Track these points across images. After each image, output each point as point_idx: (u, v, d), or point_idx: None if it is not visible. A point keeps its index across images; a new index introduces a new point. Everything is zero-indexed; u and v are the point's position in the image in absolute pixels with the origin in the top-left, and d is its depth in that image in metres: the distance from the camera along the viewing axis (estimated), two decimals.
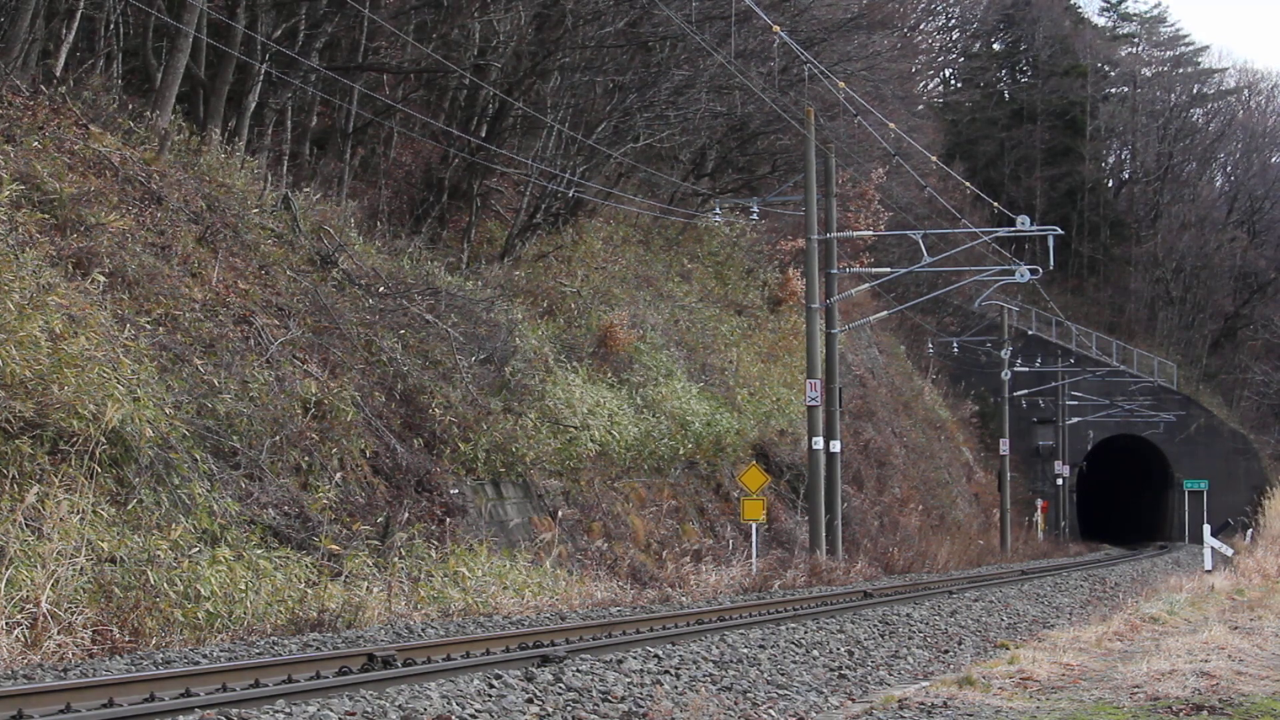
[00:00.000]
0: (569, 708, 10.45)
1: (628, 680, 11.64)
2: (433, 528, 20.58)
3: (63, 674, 11.53)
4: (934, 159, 47.02)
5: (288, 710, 9.44)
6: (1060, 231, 34.33)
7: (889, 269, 41.22)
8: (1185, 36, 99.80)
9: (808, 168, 31.75)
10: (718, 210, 39.13)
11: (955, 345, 63.67)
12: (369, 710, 9.68)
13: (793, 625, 16.94)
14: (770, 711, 11.15)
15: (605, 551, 25.44)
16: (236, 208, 22.60)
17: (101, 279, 17.67)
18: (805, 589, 25.89)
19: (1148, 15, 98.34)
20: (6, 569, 13.13)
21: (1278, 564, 31.86)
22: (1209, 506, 65.61)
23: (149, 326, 18.02)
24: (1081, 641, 15.73)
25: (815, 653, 14.64)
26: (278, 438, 18.74)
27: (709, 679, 12.23)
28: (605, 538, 25.95)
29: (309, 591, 16.43)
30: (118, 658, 12.78)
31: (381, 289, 24.59)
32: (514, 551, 22.33)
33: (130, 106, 22.88)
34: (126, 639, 13.64)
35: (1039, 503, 65.38)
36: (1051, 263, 36.51)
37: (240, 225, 22.28)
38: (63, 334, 15.74)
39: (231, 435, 17.97)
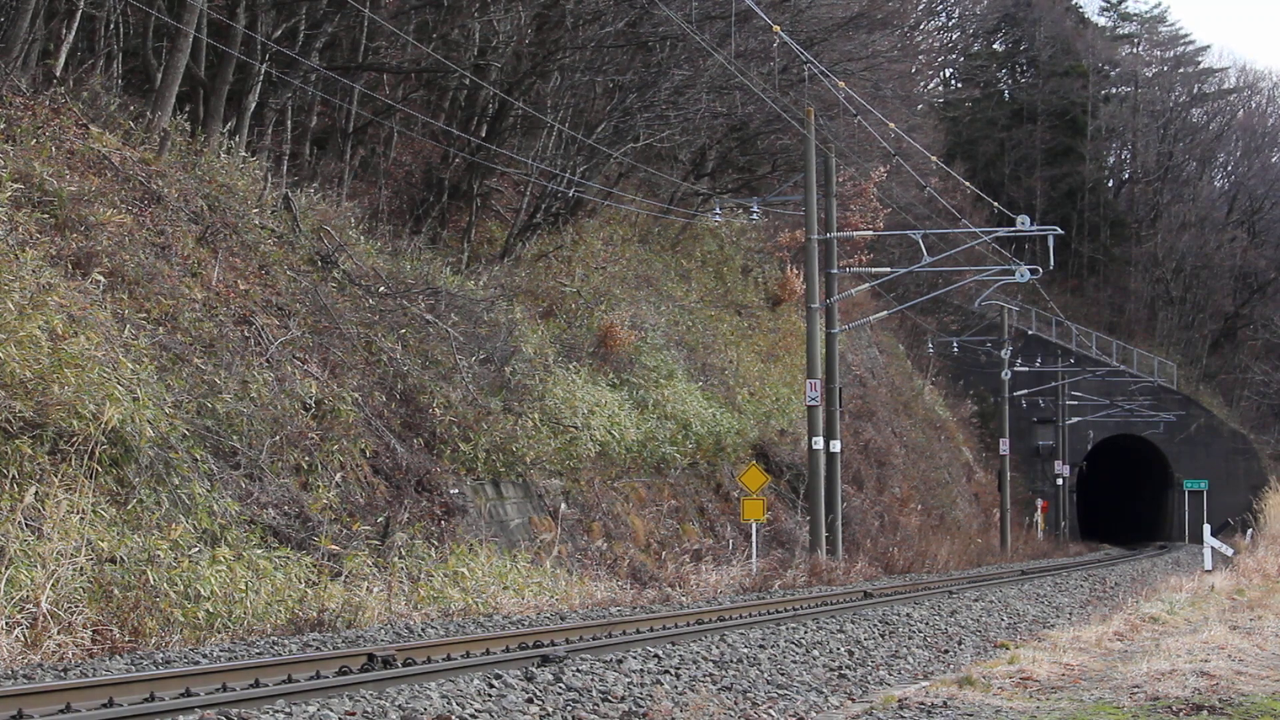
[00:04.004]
0: (569, 707, 10.45)
1: (628, 680, 11.64)
2: (433, 528, 20.58)
3: (63, 674, 11.53)
4: (934, 159, 46.99)
5: (288, 710, 9.44)
6: (1060, 231, 34.31)
7: (889, 269, 41.20)
8: (1185, 36, 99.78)
9: (808, 168, 31.74)
10: (718, 210, 39.13)
11: (955, 345, 63.65)
12: (369, 710, 9.68)
13: (793, 625, 16.94)
14: (770, 711, 11.15)
15: (605, 551, 25.45)
16: (237, 208, 22.60)
17: (101, 279, 17.67)
18: (805, 589, 25.89)
19: (1148, 15, 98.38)
20: (6, 569, 13.14)
21: (1278, 564, 31.86)
22: (1209, 506, 65.59)
23: (149, 326, 18.02)
24: (1081, 641, 15.73)
25: (815, 653, 14.64)
26: (278, 438, 18.75)
27: (709, 679, 12.23)
28: (605, 538, 25.95)
29: (309, 591, 16.44)
30: (118, 658, 12.78)
31: (381, 289, 24.59)
32: (514, 551, 22.33)
33: (130, 106, 22.88)
34: (126, 639, 13.64)
35: (1039, 503, 65.36)
36: (1051, 263, 36.48)
37: (240, 225, 22.28)
38: (63, 334, 15.74)
39: (231, 435, 17.97)
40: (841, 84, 32.05)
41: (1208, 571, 33.09)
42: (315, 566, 17.27)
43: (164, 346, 17.97)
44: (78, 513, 14.31)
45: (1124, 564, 43.53)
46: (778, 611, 19.41)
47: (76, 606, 13.46)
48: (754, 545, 28.18)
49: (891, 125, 39.40)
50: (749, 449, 34.33)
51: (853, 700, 12.01)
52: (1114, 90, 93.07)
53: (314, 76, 26.75)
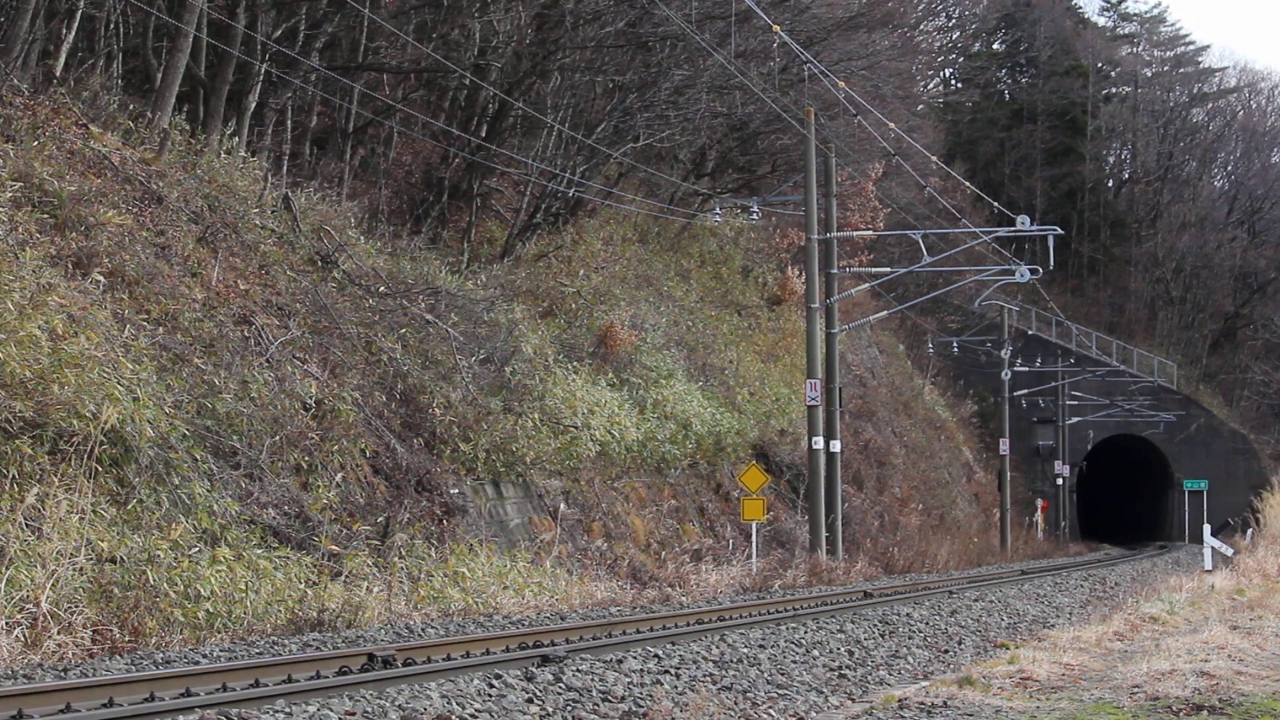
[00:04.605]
0: (569, 707, 10.45)
1: (628, 680, 11.64)
2: (433, 528, 20.58)
3: (63, 674, 11.53)
4: (934, 159, 46.99)
5: (288, 710, 9.44)
6: (1060, 231, 34.32)
7: (889, 269, 41.21)
8: (1185, 36, 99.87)
9: (808, 167, 31.75)
10: (718, 210, 39.12)
11: (955, 345, 63.66)
12: (369, 710, 9.68)
13: (793, 625, 16.94)
14: (770, 711, 11.15)
15: (605, 551, 25.45)
16: (237, 208, 22.60)
17: (101, 279, 17.67)
18: (805, 589, 25.89)
19: (1148, 15, 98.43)
20: (6, 569, 13.14)
21: (1278, 564, 31.85)
22: (1209, 506, 65.59)
23: (149, 326, 18.02)
24: (1081, 641, 15.73)
25: (815, 652, 14.64)
26: (278, 438, 18.74)
27: (709, 679, 12.23)
28: (605, 538, 25.95)
29: (309, 591, 16.44)
30: (118, 658, 12.78)
31: (381, 289, 24.59)
32: (514, 551, 22.33)
33: (130, 106, 22.88)
34: (126, 639, 13.64)
35: (1039, 503, 65.37)
36: (1051, 263, 36.48)
37: (240, 225, 22.27)
38: (63, 334, 15.74)
39: (231, 435, 17.97)
40: (841, 84, 32.05)
41: (1208, 571, 33.10)
42: (315, 566, 17.27)
43: (164, 346, 17.97)
44: (78, 513, 14.30)
45: (1124, 564, 43.53)
46: (778, 611, 19.41)
47: (76, 606, 13.45)
48: (754, 545, 28.18)
49: (891, 125, 39.40)
50: (749, 449, 34.33)
51: (853, 700, 12.01)
52: (1114, 90, 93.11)
53: (314, 76, 26.76)
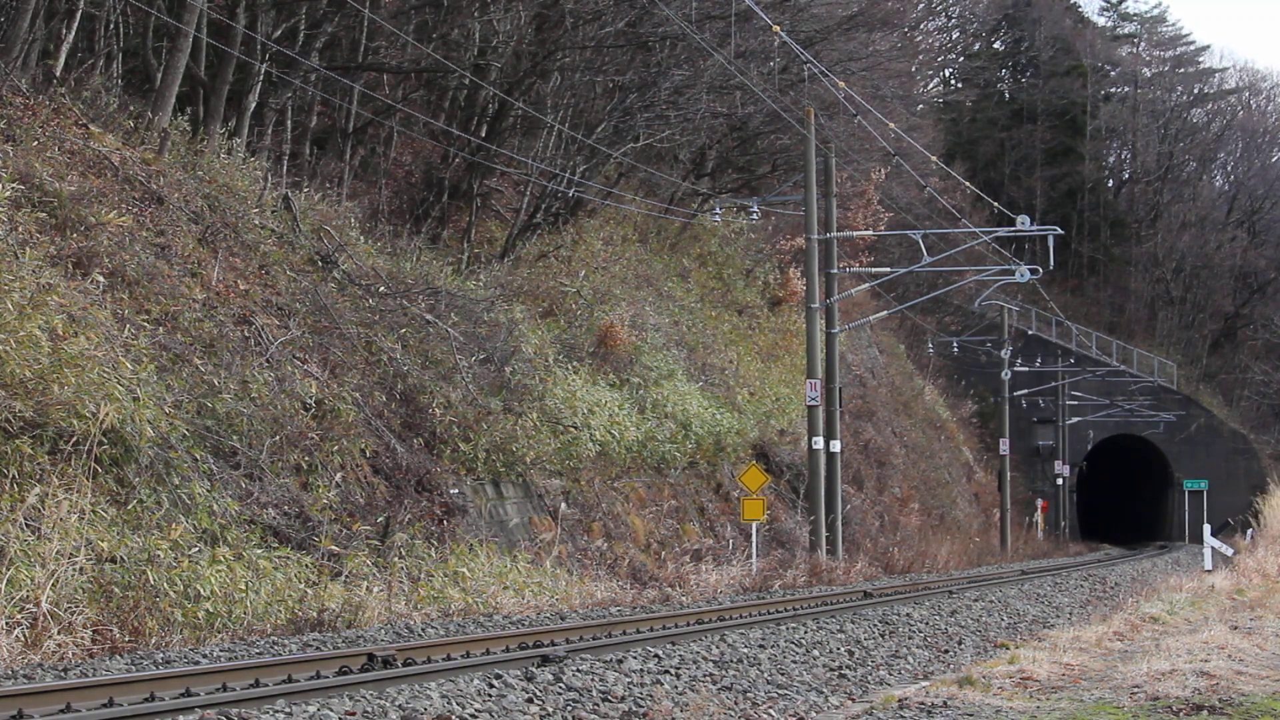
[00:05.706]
0: (569, 707, 10.45)
1: (628, 680, 11.64)
2: (433, 528, 20.58)
3: (63, 674, 11.53)
4: (934, 159, 46.98)
5: (288, 710, 9.44)
6: (1060, 231, 34.32)
7: (889, 269, 41.22)
8: (1186, 36, 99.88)
9: (808, 167, 31.75)
10: (718, 210, 39.13)
11: (955, 345, 63.68)
12: (369, 710, 9.68)
13: (793, 625, 16.94)
14: (770, 711, 11.15)
15: (605, 551, 25.45)
16: (237, 208, 22.60)
17: (101, 279, 17.67)
18: (805, 589, 25.89)
19: (1148, 15, 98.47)
20: (6, 569, 13.14)
21: (1278, 564, 31.84)
22: (1209, 506, 65.60)
23: (149, 326, 18.02)
24: (1081, 641, 15.73)
25: (815, 652, 14.64)
26: (278, 438, 18.74)
27: (709, 679, 12.23)
28: (605, 538, 25.95)
29: (309, 591, 16.44)
30: (118, 658, 12.78)
31: (381, 289, 24.59)
32: (514, 551, 22.33)
33: (130, 106, 22.89)
34: (126, 639, 13.64)
35: (1039, 503, 65.38)
36: (1051, 262, 36.49)
37: (240, 225, 22.27)
38: (63, 334, 15.75)
39: (231, 435, 17.97)
40: (841, 84, 32.05)
41: (1208, 571, 33.10)
42: (315, 566, 17.27)
43: (164, 346, 17.97)
44: (78, 513, 14.30)
45: (1124, 564, 43.53)
46: (778, 611, 19.41)
47: (76, 606, 13.45)
48: (754, 545, 28.18)
49: (891, 125, 39.40)
50: (749, 449, 34.33)
51: (853, 700, 12.01)
52: (1114, 90, 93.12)
53: (314, 76, 26.75)
